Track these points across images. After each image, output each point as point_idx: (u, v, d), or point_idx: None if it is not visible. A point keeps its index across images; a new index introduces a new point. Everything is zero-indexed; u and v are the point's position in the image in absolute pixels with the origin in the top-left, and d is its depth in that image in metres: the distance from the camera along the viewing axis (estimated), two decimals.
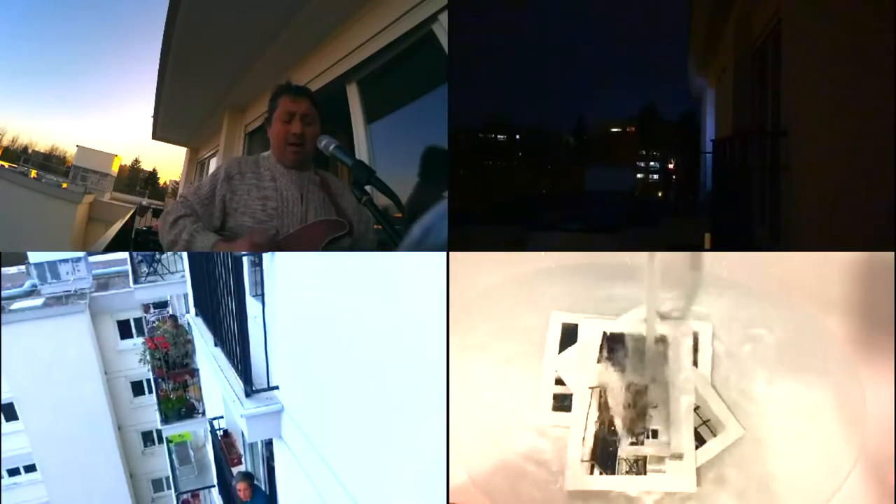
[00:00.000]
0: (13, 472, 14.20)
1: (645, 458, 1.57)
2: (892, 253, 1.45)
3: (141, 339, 10.75)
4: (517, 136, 42.33)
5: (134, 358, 10.84)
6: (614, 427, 1.60)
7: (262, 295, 3.59)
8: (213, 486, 7.34)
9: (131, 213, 14.76)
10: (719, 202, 6.17)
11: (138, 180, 44.25)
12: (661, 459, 1.56)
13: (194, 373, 9.00)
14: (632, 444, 1.58)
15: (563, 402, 1.64)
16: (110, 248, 10.75)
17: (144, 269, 9.31)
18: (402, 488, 1.84)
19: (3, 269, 15.87)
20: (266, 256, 3.50)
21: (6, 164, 24.79)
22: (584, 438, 1.58)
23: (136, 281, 9.45)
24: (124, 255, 12.15)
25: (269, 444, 4.25)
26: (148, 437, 14.13)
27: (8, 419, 13.44)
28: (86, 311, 12.71)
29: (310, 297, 2.91)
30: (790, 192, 5.03)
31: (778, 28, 5.66)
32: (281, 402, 3.38)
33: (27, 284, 13.91)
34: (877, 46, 3.30)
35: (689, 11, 9.52)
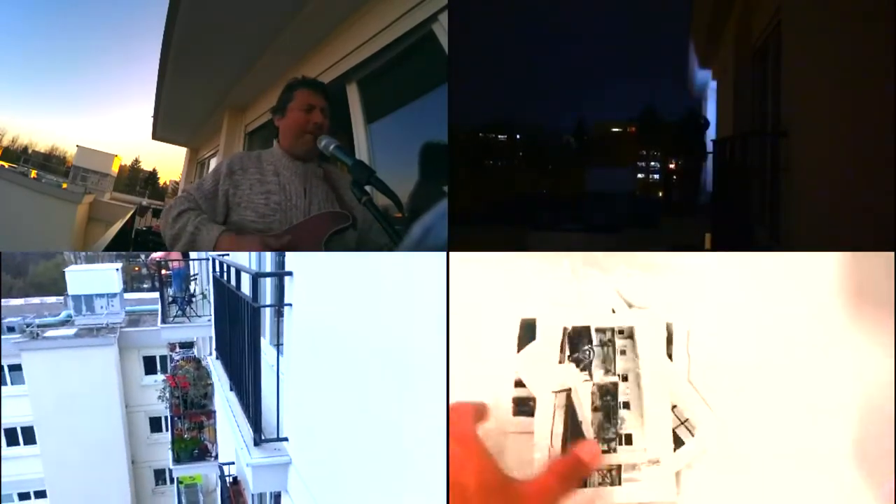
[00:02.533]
0: (24, 496, 14.29)
1: (619, 466, 1.42)
2: (892, 253, 1.44)
3: (163, 377, 10.79)
4: (517, 137, 42.32)
5: (155, 394, 10.91)
6: (583, 434, 1.44)
7: (280, 345, 3.57)
8: None
9: (131, 213, 14.76)
10: (720, 202, 6.17)
11: (138, 180, 44.15)
12: (635, 466, 1.42)
13: (211, 415, 8.99)
14: (603, 452, 1.42)
15: (523, 406, 1.47)
16: (110, 247, 10.76)
17: (174, 310, 9.38)
18: None
19: (42, 298, 16.23)
20: (286, 310, 3.49)
21: (6, 164, 24.77)
22: (550, 447, 1.42)
23: (164, 320, 9.55)
24: (156, 294, 12.27)
25: (277, 497, 4.22)
26: (160, 476, 14.23)
27: (27, 443, 13.55)
28: (115, 344, 13.01)
29: (323, 345, 2.87)
30: (790, 192, 5.03)
31: (778, 28, 5.66)
32: (289, 455, 3.32)
33: (63, 314, 14.20)
34: (877, 46, 3.30)
35: (689, 12, 9.53)
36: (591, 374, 1.47)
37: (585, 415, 1.44)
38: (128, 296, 15.51)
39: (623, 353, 1.47)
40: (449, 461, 1.26)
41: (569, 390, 1.46)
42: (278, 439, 3.40)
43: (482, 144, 40.08)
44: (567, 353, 1.49)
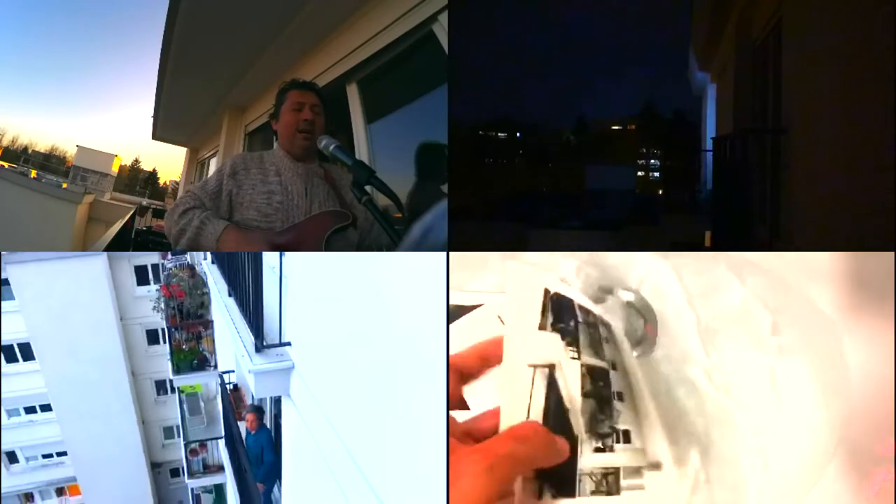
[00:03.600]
0: (30, 409, 14.58)
1: (617, 470, 1.09)
2: (892, 253, 1.44)
3: (157, 286, 10.54)
4: (518, 135, 42.36)
5: (149, 305, 10.62)
6: (570, 426, 1.08)
7: None
8: (221, 437, 7.33)
9: (131, 213, 14.78)
10: (720, 200, 6.17)
11: (138, 180, 44.32)
12: (637, 471, 1.11)
13: (209, 324, 8.83)
14: (597, 450, 1.08)
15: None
16: (110, 247, 10.75)
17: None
18: (403, 461, 1.85)
19: None
20: None
21: (6, 164, 24.82)
22: None
23: None
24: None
25: (277, 402, 4.19)
26: (161, 386, 14.22)
27: (25, 359, 13.60)
28: (103, 253, 12.52)
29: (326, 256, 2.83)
30: (790, 190, 5.03)
31: (778, 26, 5.66)
32: (291, 360, 3.22)
33: None
34: (877, 46, 3.30)
35: (689, 10, 9.54)
36: (579, 352, 1.13)
37: (573, 399, 1.09)
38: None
39: (607, 340, 1.19)
40: (449, 365, 1.15)
41: (552, 366, 1.11)
42: (280, 345, 3.30)
43: (482, 143, 40.13)
44: (550, 319, 1.15)
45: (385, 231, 2.31)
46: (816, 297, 1.49)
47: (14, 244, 13.85)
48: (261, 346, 3.33)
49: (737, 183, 5.76)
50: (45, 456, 14.96)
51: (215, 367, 8.56)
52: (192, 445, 10.37)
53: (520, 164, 41.31)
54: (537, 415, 1.08)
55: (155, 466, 14.41)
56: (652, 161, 42.74)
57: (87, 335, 12.65)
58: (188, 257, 10.39)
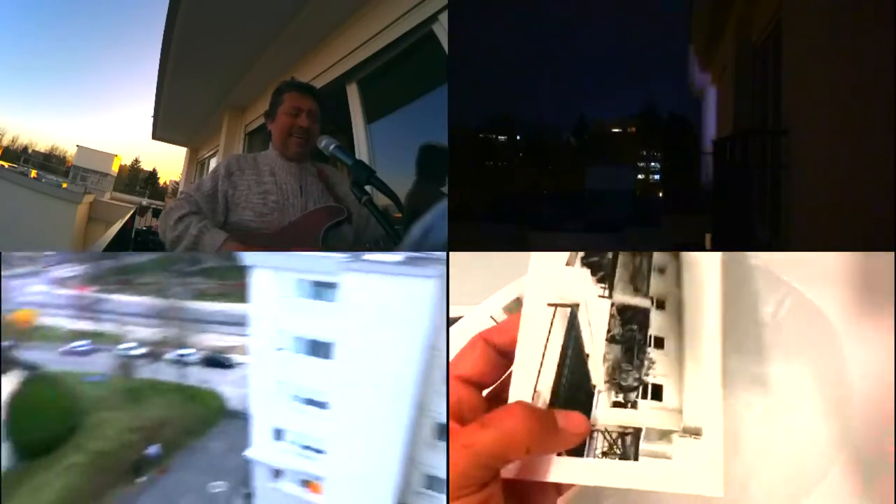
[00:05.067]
0: (309, 402, 14.85)
1: (638, 431, 0.93)
2: (892, 253, 1.44)
3: None
4: (518, 136, 42.38)
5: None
6: (587, 373, 0.95)
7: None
8: None
9: (131, 213, 14.78)
10: (720, 201, 6.17)
11: (138, 180, 44.33)
12: (665, 435, 0.92)
13: None
14: (616, 404, 0.94)
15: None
16: (110, 247, 10.77)
17: None
18: None
19: None
20: None
21: (6, 164, 24.83)
22: (535, 391, 0.96)
23: None
24: None
25: None
26: (441, 431, 14.09)
27: (325, 356, 14.17)
28: (437, 278, 12.59)
29: None
30: (790, 191, 5.03)
31: (778, 27, 5.66)
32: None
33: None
34: (877, 46, 3.30)
35: (689, 10, 9.53)
36: (610, 289, 1.00)
37: (595, 344, 0.97)
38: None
39: (661, 271, 1.01)
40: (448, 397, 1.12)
41: (575, 306, 0.99)
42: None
43: (482, 144, 40.14)
44: (581, 254, 1.03)
45: (385, 231, 2.31)
46: (817, 297, 1.48)
47: (14, 244, 13.87)
48: None
49: (737, 184, 5.76)
50: (304, 447, 15.30)
51: None
52: None
53: (520, 164, 41.32)
54: (552, 360, 0.97)
55: None
56: (652, 162, 42.75)
57: (388, 352, 12.78)
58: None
